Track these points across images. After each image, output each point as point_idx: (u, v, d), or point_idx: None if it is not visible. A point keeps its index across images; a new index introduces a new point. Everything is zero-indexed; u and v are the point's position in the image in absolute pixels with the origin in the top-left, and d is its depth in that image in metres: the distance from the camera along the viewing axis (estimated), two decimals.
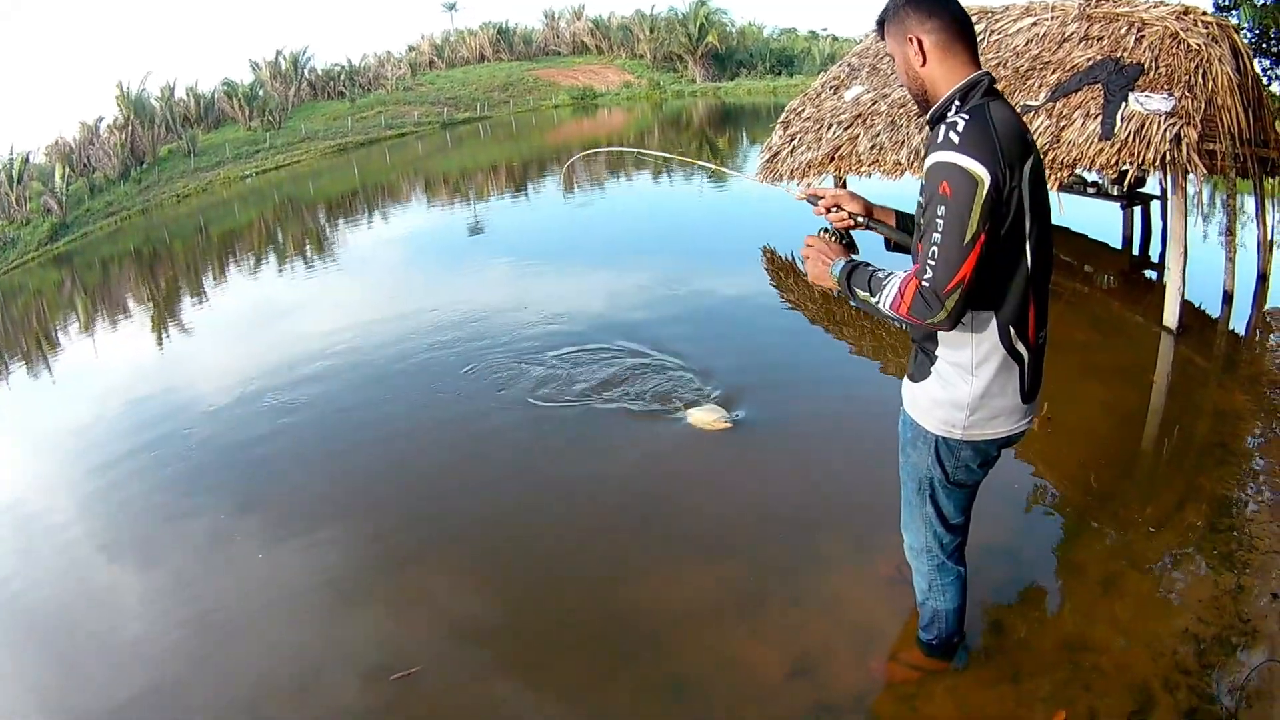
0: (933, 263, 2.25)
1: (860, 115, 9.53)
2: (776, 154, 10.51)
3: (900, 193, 9.68)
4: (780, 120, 10.95)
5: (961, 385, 2.53)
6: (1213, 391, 6.07)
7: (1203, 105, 6.46)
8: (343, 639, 4.03)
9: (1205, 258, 7.93)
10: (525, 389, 6.49)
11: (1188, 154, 6.22)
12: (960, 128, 2.23)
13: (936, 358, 2.57)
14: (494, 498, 5.17)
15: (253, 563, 4.73)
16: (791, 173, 10.10)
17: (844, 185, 10.93)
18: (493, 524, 4.90)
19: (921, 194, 2.35)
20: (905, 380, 2.76)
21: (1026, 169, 2.28)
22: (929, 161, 2.28)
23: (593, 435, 5.80)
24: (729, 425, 5.52)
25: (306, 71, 38.70)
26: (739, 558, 4.30)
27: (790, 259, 10.21)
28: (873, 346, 7.02)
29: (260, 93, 34.86)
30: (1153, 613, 3.64)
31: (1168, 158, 6.28)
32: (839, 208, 2.71)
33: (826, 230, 2.74)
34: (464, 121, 34.03)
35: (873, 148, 9.05)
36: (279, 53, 38.11)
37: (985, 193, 2.18)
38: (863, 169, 9.17)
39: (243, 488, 5.61)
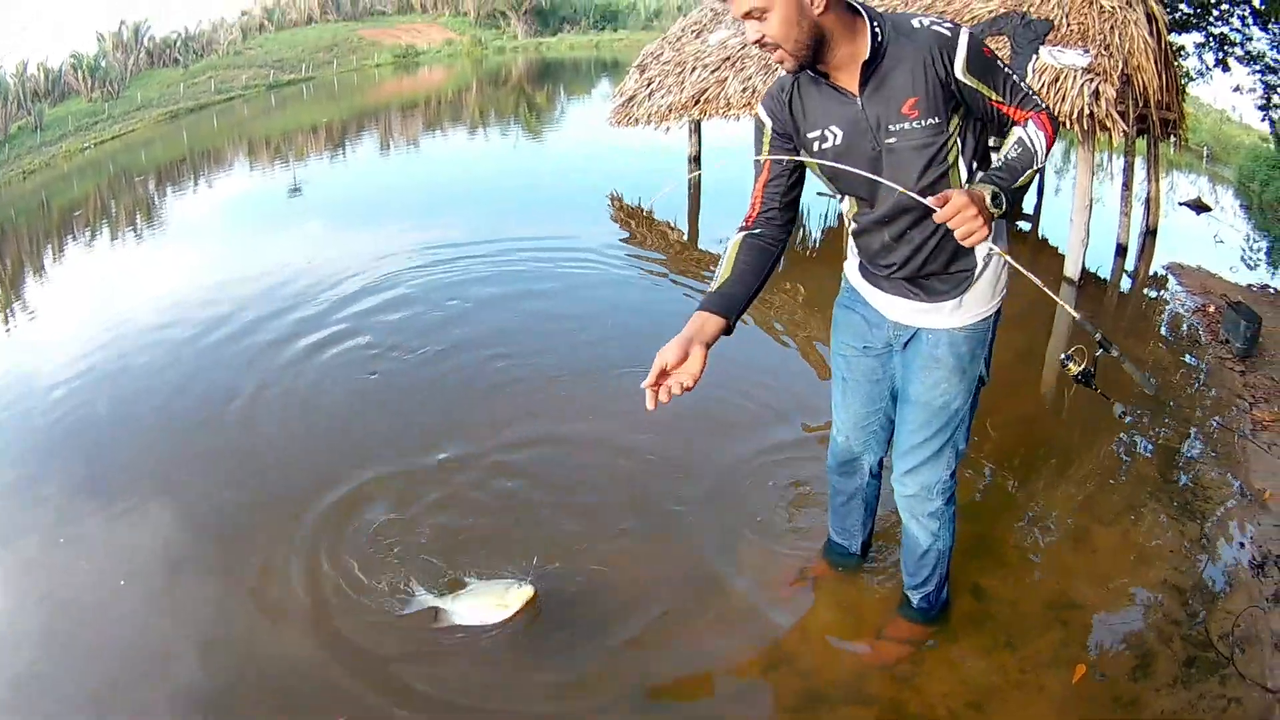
0: (1033, 92, 2.45)
1: (729, 59, 9.55)
2: (632, 98, 10.51)
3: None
4: (636, 64, 10.98)
5: (1000, 241, 2.63)
6: (1128, 342, 6.29)
7: (1119, 64, 6.70)
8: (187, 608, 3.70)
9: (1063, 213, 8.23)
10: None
11: (1107, 110, 6.45)
12: (925, 18, 2.37)
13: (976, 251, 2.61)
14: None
15: (86, 542, 4.24)
16: (649, 116, 10.12)
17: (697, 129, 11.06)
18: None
19: (971, 70, 2.36)
20: (933, 307, 2.67)
21: None
22: (963, 49, 2.32)
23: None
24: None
25: (145, 40, 37.97)
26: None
27: (637, 205, 10.08)
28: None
29: (103, 64, 34.48)
30: (1128, 566, 3.69)
31: (1085, 112, 6.49)
32: None
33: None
34: (289, 84, 33.89)
35: (745, 90, 9.07)
36: (122, 23, 37.41)
37: None
38: (731, 112, 9.23)
39: (72, 466, 4.99)
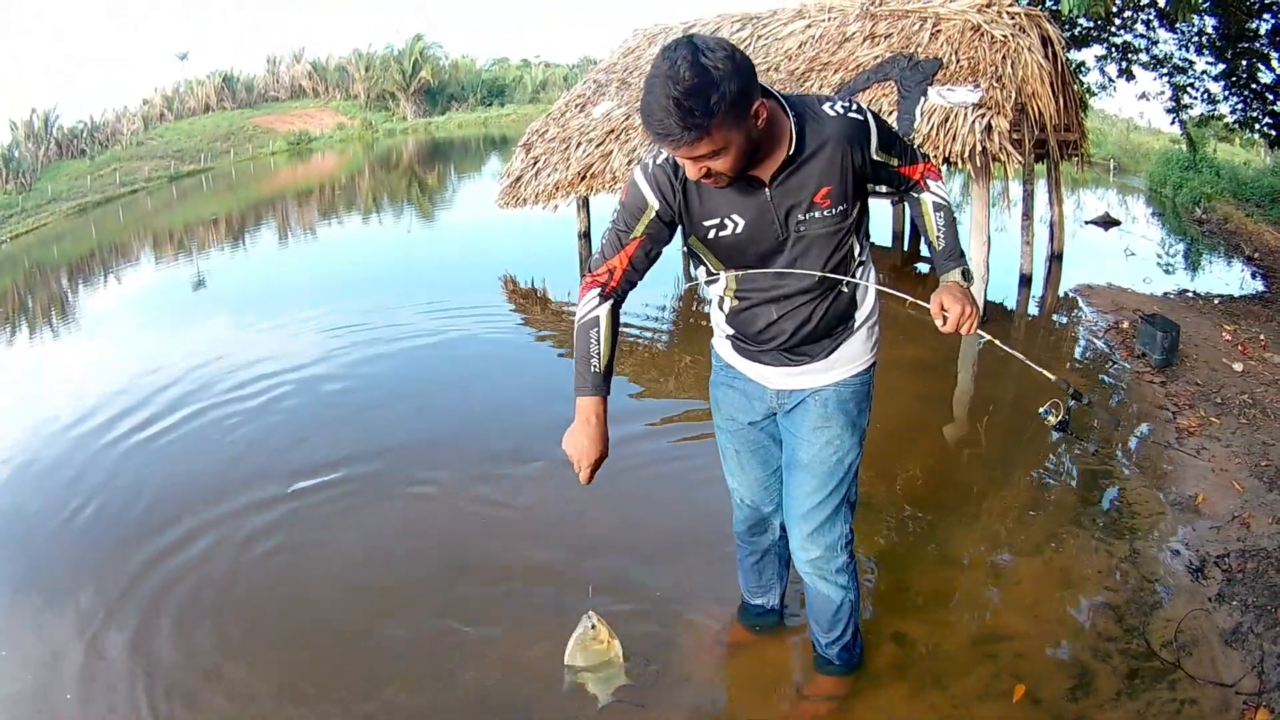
0: (912, 143, 2.69)
1: (613, 131, 9.68)
2: (519, 179, 10.52)
3: None
4: (521, 143, 11.00)
5: (871, 297, 2.75)
6: (1039, 372, 6.36)
7: (1013, 94, 6.89)
8: None
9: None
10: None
11: (1000, 144, 6.60)
12: (834, 103, 2.46)
13: (855, 304, 2.71)
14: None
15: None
16: (536, 196, 10.11)
17: (585, 205, 11.10)
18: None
19: (881, 147, 2.51)
20: (815, 367, 2.74)
21: None
22: (874, 132, 2.47)
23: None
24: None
25: (54, 130, 38.47)
26: None
27: (531, 285, 10.15)
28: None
29: (16, 154, 34.82)
30: (1055, 592, 3.74)
31: (978, 148, 6.63)
32: None
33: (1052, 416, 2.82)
34: (189, 175, 34.38)
35: (630, 162, 9.14)
36: (33, 112, 38.07)
37: None
38: (617, 185, 9.20)
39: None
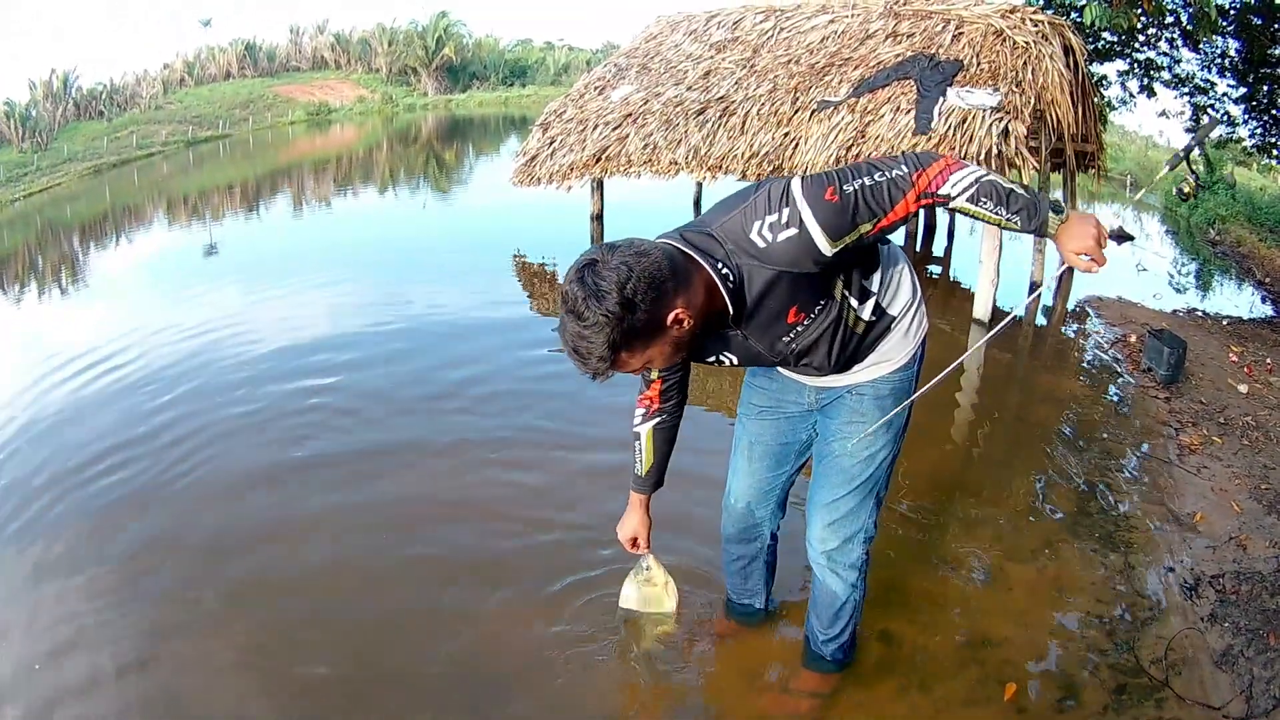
0: (883, 169, 2.25)
1: (630, 115, 9.70)
2: (534, 157, 10.53)
3: (675, 188, 10.48)
4: (538, 123, 11.00)
5: (904, 290, 2.62)
6: (1046, 378, 6.45)
7: (1031, 100, 6.83)
8: None
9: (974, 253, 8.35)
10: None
11: (1016, 148, 6.54)
12: (762, 225, 2.20)
13: (883, 309, 2.57)
14: None
15: None
16: (550, 175, 10.17)
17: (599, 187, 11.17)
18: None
19: (835, 238, 2.18)
20: (848, 375, 2.70)
21: None
22: (818, 233, 2.16)
23: None
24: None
25: (73, 91, 38.67)
26: None
27: (541, 264, 10.10)
28: None
29: (34, 113, 35.18)
30: (1047, 601, 3.68)
31: (994, 151, 6.56)
32: None
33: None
34: (206, 140, 34.85)
35: (645, 147, 9.24)
36: (53, 72, 38.12)
37: None
38: (632, 169, 9.40)
39: None
